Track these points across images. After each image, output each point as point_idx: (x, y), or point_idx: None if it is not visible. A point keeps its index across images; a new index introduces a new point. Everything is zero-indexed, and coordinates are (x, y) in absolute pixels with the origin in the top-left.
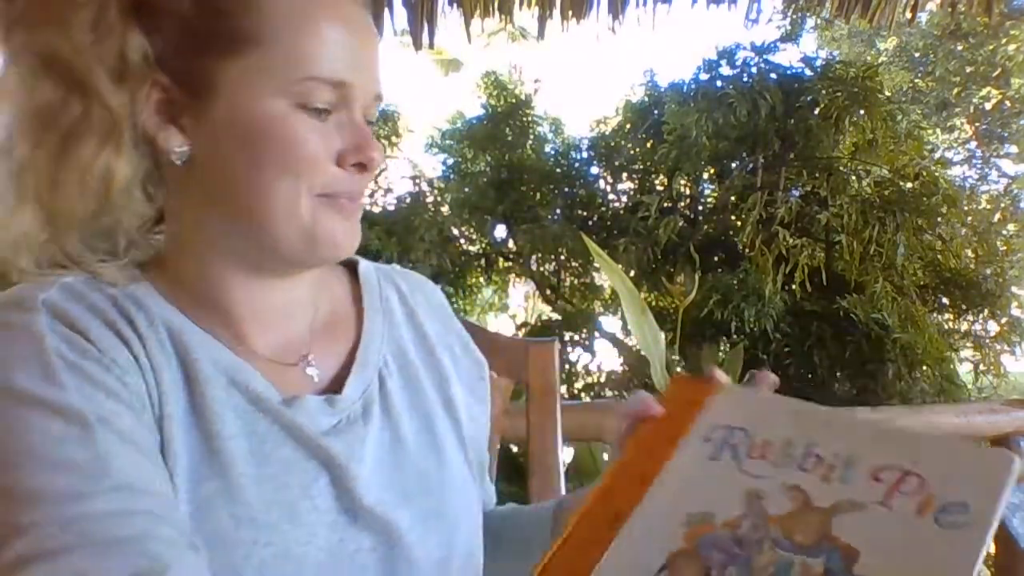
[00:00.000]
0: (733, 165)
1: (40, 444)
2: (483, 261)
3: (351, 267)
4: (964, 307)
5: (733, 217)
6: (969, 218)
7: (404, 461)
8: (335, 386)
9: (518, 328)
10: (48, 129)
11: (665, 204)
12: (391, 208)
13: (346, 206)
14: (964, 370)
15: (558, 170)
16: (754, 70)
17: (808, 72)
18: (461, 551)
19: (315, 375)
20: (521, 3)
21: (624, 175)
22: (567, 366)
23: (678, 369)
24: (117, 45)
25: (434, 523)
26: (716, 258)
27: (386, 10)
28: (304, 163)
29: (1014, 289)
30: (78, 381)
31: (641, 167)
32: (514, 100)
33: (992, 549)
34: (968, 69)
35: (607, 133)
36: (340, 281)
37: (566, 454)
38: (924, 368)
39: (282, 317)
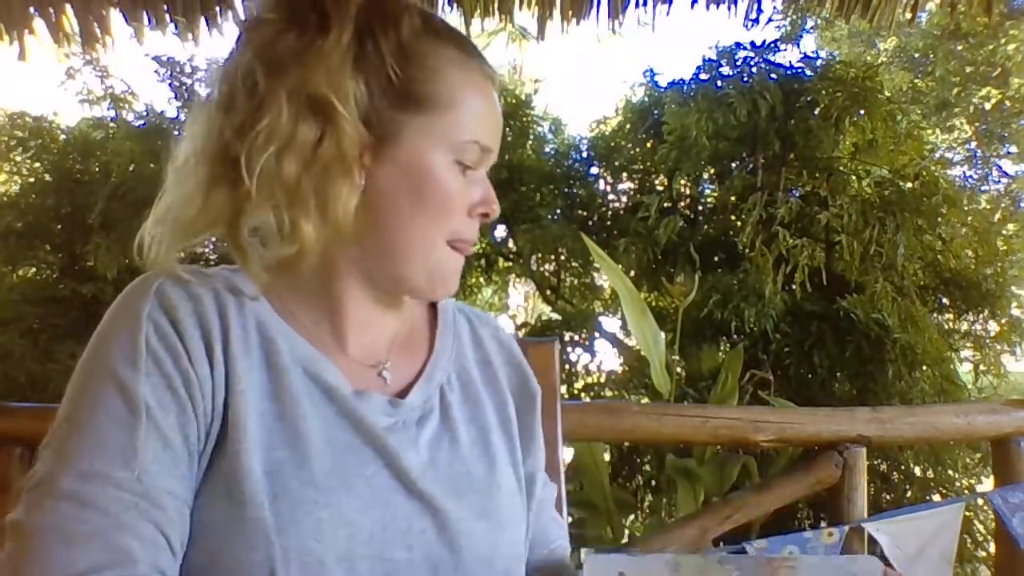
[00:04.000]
0: (733, 165)
1: (101, 419)
2: (483, 261)
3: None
4: (964, 307)
5: (733, 217)
6: (969, 218)
7: (456, 461)
8: (402, 393)
9: (518, 328)
10: (313, 161)
11: (665, 204)
12: None
13: (464, 249)
14: (964, 370)
15: (558, 170)
16: (754, 70)
17: (808, 72)
18: (507, 553)
19: (388, 378)
20: (521, 3)
21: (624, 175)
22: (567, 366)
23: (678, 369)
24: (352, 87)
25: (482, 521)
26: (716, 258)
27: None
28: (452, 209)
29: (1014, 289)
30: (152, 367)
31: (641, 167)
32: (514, 100)
33: (992, 548)
34: (968, 69)
35: (607, 133)
36: (420, 306)
37: (566, 454)
38: (924, 368)
39: (375, 332)
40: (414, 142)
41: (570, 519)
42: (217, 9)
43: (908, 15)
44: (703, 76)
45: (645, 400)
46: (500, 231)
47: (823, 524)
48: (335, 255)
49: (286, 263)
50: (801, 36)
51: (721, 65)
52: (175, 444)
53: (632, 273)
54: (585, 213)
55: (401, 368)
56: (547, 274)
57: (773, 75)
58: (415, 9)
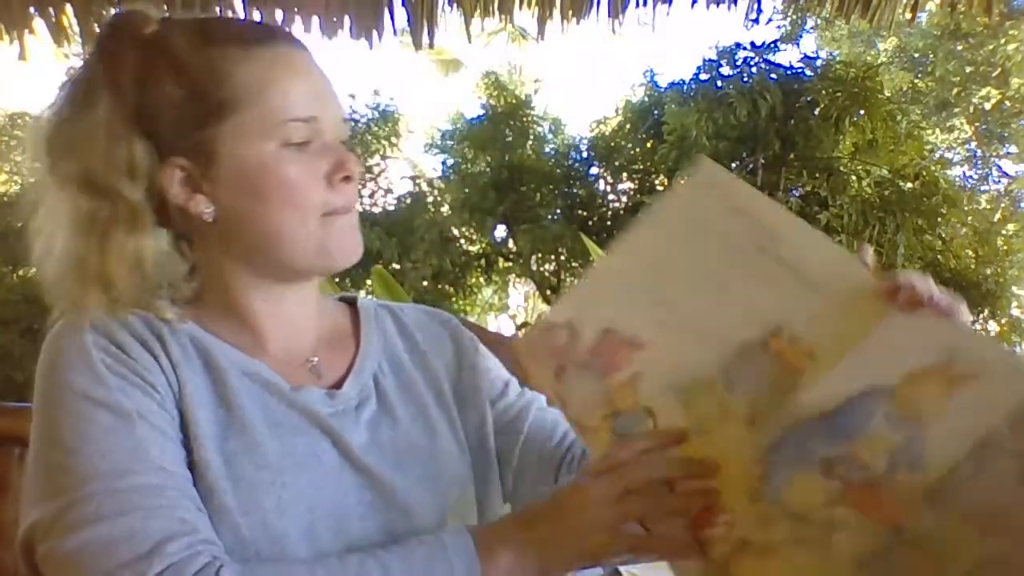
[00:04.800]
0: (733, 165)
1: (94, 432)
2: (483, 261)
3: (352, 302)
4: None
5: None
6: (969, 218)
7: (398, 437)
8: (335, 387)
9: (518, 328)
10: (91, 230)
11: None
12: (391, 208)
13: (344, 218)
14: None
15: (558, 170)
16: (754, 70)
17: (808, 72)
18: (457, 512)
19: (319, 374)
20: (521, 3)
21: (624, 175)
22: None
23: None
24: (127, 153)
25: (428, 487)
26: None
27: (386, 10)
28: (299, 193)
29: (1014, 289)
30: (119, 382)
31: (641, 167)
32: (514, 100)
33: None
34: (968, 69)
35: (607, 133)
36: (342, 311)
37: None
38: None
39: (293, 327)
40: (233, 149)
41: None
42: (217, 9)
43: (908, 15)
44: (703, 76)
45: None
46: (500, 231)
47: None
48: (224, 269)
49: (184, 297)
50: (801, 36)
51: (721, 65)
52: (171, 435)
53: None
54: (585, 213)
55: (331, 365)
56: (547, 274)
57: (773, 75)
58: (184, 25)
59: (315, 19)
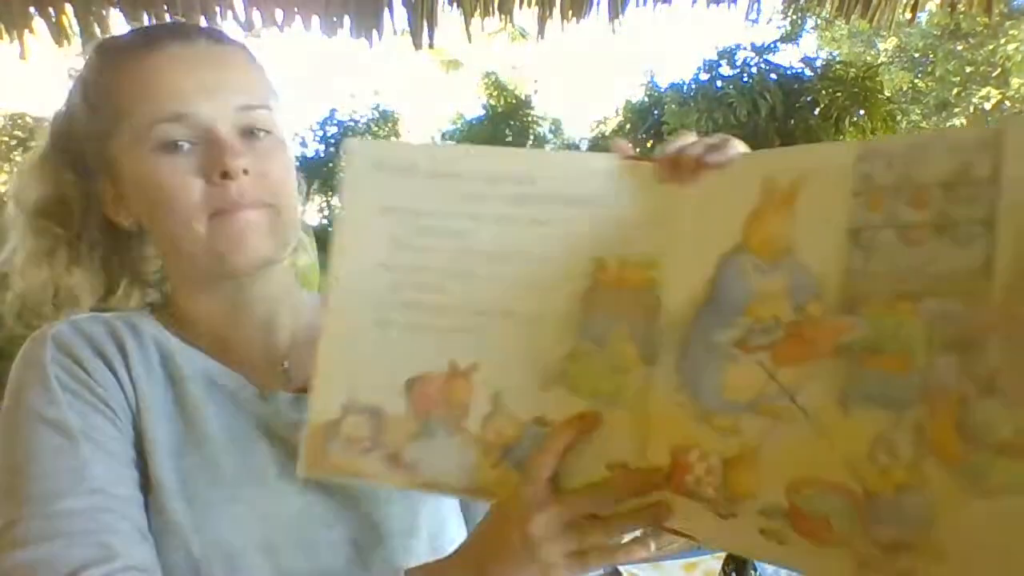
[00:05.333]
0: None
1: (40, 452)
2: None
3: None
4: None
5: None
6: None
7: None
8: (307, 389)
9: None
10: (43, 260)
11: None
12: None
13: (235, 216)
14: None
15: None
16: (754, 70)
17: (808, 72)
18: (429, 522)
19: (289, 378)
20: (521, 3)
21: None
22: None
23: None
24: (59, 192)
25: (400, 497)
26: None
27: (386, 10)
28: (173, 195)
29: None
30: (71, 399)
31: None
32: (514, 100)
33: None
34: (968, 69)
35: (607, 133)
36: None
37: None
38: None
39: (259, 328)
40: (126, 161)
41: None
42: (217, 9)
43: (908, 15)
44: (703, 76)
45: None
46: None
47: None
48: (171, 274)
49: (157, 300)
50: (801, 36)
51: (721, 65)
52: (120, 455)
53: None
54: None
55: (304, 366)
56: None
57: (773, 75)
58: (104, 42)
59: (315, 19)
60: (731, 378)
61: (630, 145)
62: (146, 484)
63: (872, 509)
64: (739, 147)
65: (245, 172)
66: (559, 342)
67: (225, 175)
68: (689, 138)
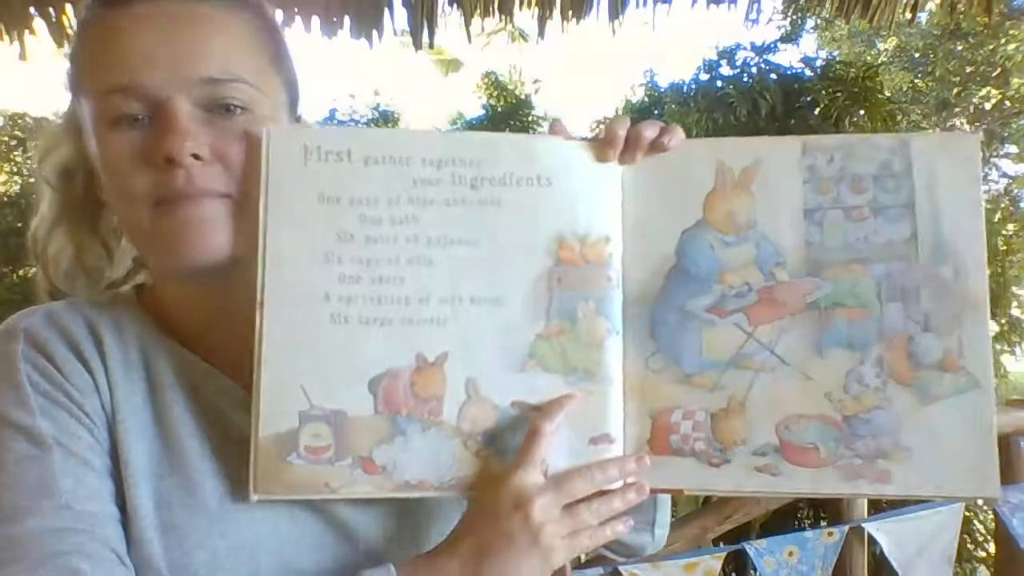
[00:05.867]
0: None
1: (6, 461)
2: None
3: None
4: None
5: None
6: None
7: None
8: None
9: None
10: (63, 217)
11: None
12: None
13: (178, 207)
14: None
15: None
16: (754, 70)
17: (808, 72)
18: (420, 539)
19: None
20: (521, 3)
21: None
22: None
23: None
24: (80, 154)
25: (391, 519)
26: None
27: (386, 10)
28: (119, 177)
29: (1014, 289)
30: (44, 403)
31: None
32: (514, 100)
33: (992, 548)
34: (968, 69)
35: None
36: None
37: None
38: None
39: (240, 327)
40: (88, 133)
41: None
42: None
43: (908, 15)
44: (703, 76)
45: None
46: None
47: (823, 524)
48: (143, 260)
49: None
50: (801, 36)
51: (721, 65)
52: (96, 465)
53: None
54: None
55: None
56: None
57: (773, 75)
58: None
59: (315, 19)
60: (710, 340)
61: (566, 126)
62: (122, 509)
63: (851, 429)
64: (682, 134)
65: (197, 157)
66: (530, 322)
67: (169, 160)
68: (627, 120)
